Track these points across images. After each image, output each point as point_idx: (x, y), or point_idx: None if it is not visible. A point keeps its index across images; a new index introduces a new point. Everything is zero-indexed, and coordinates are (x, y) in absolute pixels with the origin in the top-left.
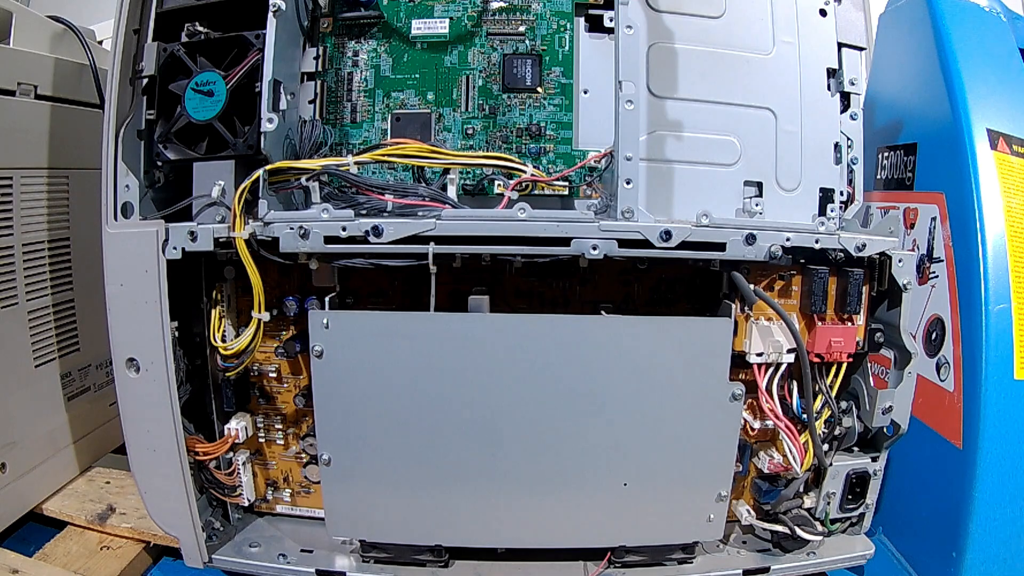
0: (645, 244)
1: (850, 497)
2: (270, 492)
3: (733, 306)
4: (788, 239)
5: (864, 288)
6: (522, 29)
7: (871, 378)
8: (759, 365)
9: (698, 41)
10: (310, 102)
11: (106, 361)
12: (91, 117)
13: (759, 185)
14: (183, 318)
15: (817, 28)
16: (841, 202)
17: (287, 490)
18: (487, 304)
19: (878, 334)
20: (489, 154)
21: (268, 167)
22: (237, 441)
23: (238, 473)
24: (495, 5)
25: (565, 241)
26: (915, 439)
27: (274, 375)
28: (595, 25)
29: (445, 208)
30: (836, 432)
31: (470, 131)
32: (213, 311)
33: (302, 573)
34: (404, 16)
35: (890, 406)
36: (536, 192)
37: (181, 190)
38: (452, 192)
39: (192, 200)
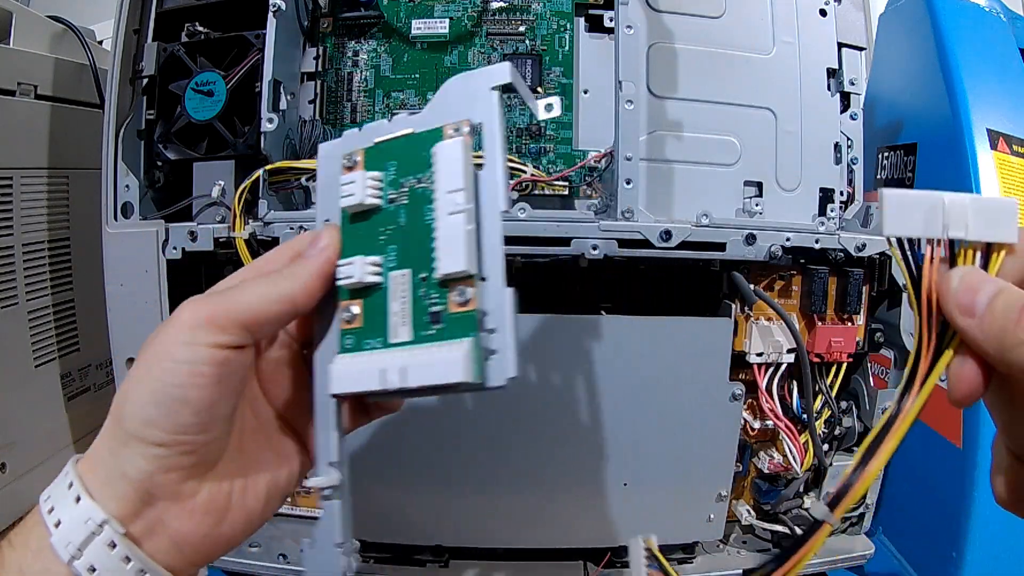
0: (645, 244)
1: None
2: None
3: (733, 306)
4: (788, 239)
5: (864, 288)
6: (522, 29)
7: (871, 378)
8: (759, 365)
9: (698, 41)
10: (310, 102)
11: (106, 361)
12: (91, 117)
13: (759, 185)
14: None
15: (817, 28)
16: (841, 202)
17: None
18: None
19: (878, 334)
20: None
21: (268, 167)
22: None
23: None
24: (495, 5)
25: (565, 241)
26: (915, 439)
27: None
28: (595, 25)
29: None
30: (836, 432)
31: None
32: None
33: (302, 573)
34: (404, 16)
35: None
36: (536, 192)
37: (181, 190)
38: None
39: (192, 200)
